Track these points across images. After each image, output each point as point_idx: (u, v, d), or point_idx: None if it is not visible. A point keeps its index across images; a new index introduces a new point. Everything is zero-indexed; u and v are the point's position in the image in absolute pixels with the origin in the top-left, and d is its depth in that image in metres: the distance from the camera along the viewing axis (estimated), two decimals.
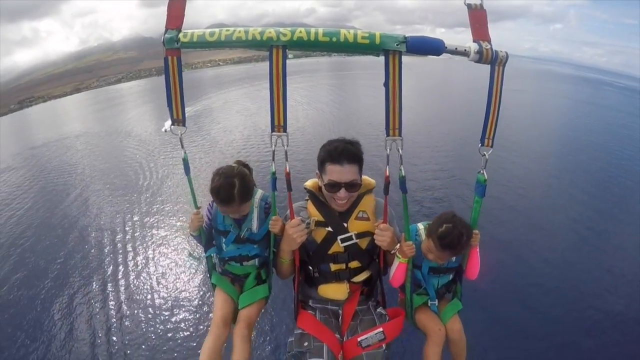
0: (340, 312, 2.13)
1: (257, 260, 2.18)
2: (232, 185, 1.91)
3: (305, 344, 1.93)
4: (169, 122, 1.97)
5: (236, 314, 2.14)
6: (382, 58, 1.67)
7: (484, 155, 1.76)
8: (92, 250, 7.15)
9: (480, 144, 1.77)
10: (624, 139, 15.02)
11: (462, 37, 1.75)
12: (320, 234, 2.03)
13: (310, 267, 2.10)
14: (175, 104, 1.81)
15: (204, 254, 2.25)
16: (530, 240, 6.88)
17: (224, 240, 2.12)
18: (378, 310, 2.12)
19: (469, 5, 1.65)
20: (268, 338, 4.79)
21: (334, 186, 1.92)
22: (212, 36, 1.66)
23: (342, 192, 1.93)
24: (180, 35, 1.69)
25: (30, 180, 12.25)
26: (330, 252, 2.04)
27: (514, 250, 6.48)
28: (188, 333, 4.97)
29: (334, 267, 2.06)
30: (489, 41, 1.64)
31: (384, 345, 1.91)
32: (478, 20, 1.65)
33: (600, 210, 8.37)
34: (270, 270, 2.20)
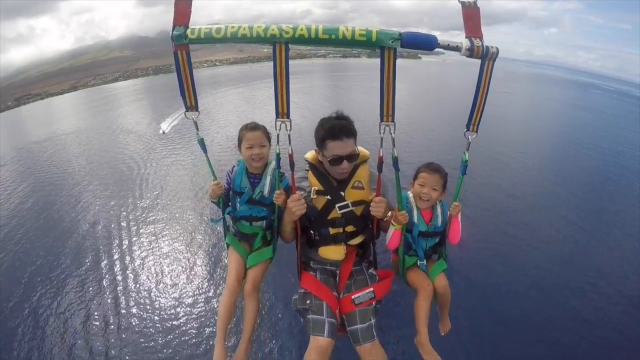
0: (337, 271, 2.46)
1: (264, 222, 2.53)
2: (257, 123, 2.45)
3: (308, 301, 2.26)
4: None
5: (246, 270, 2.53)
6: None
7: (468, 138, 2.00)
8: (88, 245, 7.19)
9: (465, 129, 1.97)
10: (601, 138, 15.89)
11: (457, 40, 1.86)
12: (320, 202, 2.29)
13: (312, 231, 2.38)
14: (187, 92, 2.01)
15: (221, 215, 2.58)
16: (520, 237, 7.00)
17: (238, 200, 2.48)
18: (370, 270, 2.47)
19: (463, 3, 1.78)
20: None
21: (337, 160, 2.16)
22: (218, 33, 1.78)
23: (345, 164, 2.19)
24: (188, 31, 1.81)
25: (29, 175, 12.36)
26: (329, 217, 2.30)
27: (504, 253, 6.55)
28: (193, 330, 4.94)
29: (332, 230, 2.33)
30: (481, 38, 1.78)
31: (374, 303, 2.25)
32: (471, 17, 1.78)
33: (592, 205, 8.64)
34: (275, 233, 2.53)
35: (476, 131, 1.97)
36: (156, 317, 5.17)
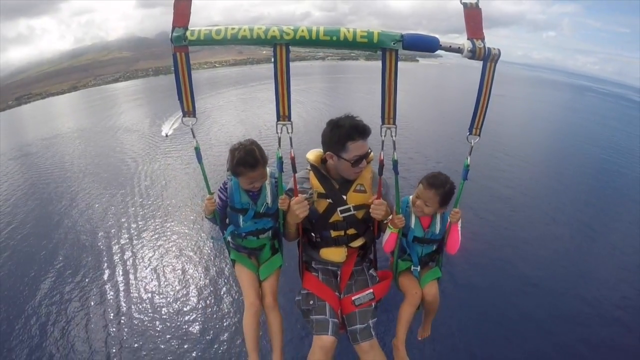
0: (338, 272, 2.47)
1: (270, 231, 2.45)
2: (253, 150, 2.15)
3: (311, 302, 2.29)
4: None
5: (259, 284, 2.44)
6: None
7: (471, 142, 1.95)
8: (87, 245, 7.22)
9: (468, 133, 1.93)
10: (584, 139, 16.94)
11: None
12: (321, 205, 2.27)
13: (313, 234, 2.37)
14: (185, 97, 1.92)
15: (221, 235, 2.49)
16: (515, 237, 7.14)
17: (242, 217, 2.35)
18: (370, 271, 2.50)
19: (464, 4, 1.76)
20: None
21: (359, 160, 2.15)
22: (218, 34, 1.77)
23: (364, 162, 2.20)
24: (188, 33, 1.78)
25: (30, 174, 12.54)
26: (330, 221, 2.30)
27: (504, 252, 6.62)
28: (198, 325, 5.18)
29: (333, 233, 2.33)
30: (483, 39, 1.76)
31: (373, 304, 2.29)
32: (473, 18, 1.76)
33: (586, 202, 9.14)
34: (281, 240, 2.48)
35: (479, 135, 1.92)
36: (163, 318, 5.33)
